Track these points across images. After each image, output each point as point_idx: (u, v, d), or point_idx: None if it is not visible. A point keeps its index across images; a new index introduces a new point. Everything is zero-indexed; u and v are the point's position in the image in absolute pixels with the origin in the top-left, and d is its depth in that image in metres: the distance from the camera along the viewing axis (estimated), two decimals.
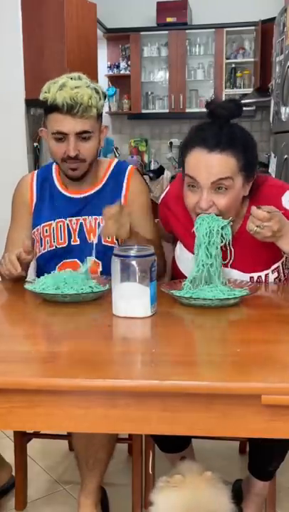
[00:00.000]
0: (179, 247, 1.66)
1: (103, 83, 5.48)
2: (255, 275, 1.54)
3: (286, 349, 1.13)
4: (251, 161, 1.42)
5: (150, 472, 1.69)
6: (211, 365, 1.03)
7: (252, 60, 5.33)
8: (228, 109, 1.41)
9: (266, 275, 1.54)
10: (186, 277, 1.49)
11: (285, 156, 3.30)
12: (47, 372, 1.02)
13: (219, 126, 1.40)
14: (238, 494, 1.70)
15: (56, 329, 1.30)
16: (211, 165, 1.36)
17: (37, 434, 1.85)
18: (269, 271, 1.55)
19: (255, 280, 1.54)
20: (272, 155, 3.68)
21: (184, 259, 1.62)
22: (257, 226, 1.35)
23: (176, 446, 1.65)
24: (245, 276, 1.53)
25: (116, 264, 1.30)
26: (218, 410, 0.98)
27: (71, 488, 1.93)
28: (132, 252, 1.29)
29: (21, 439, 1.81)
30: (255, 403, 0.94)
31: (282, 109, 3.36)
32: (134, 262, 1.28)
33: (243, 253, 1.51)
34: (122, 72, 5.67)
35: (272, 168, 3.64)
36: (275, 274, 1.57)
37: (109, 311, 1.35)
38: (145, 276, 1.29)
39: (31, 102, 3.81)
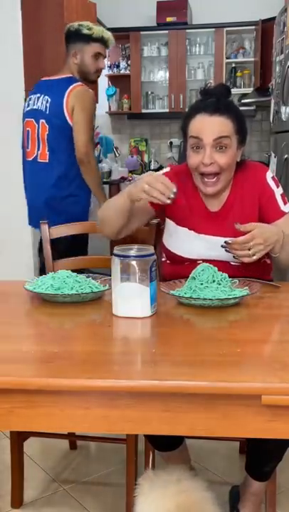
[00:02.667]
0: (172, 225, 1.70)
1: (103, 83, 5.48)
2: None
3: (286, 349, 1.13)
4: (244, 128, 1.64)
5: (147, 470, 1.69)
6: (210, 365, 1.03)
7: (252, 59, 5.32)
8: (219, 91, 1.64)
9: None
10: (178, 256, 1.64)
11: (285, 156, 3.30)
12: (47, 372, 1.02)
13: (216, 98, 1.60)
14: (235, 497, 1.70)
15: (56, 329, 1.30)
16: (212, 125, 1.56)
17: (34, 432, 1.85)
18: None
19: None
20: (273, 155, 3.68)
21: (178, 235, 1.68)
22: (249, 250, 1.45)
23: (170, 444, 1.66)
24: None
25: (116, 264, 1.30)
26: (218, 410, 0.98)
27: (71, 489, 1.93)
28: (132, 252, 1.30)
29: (18, 436, 1.82)
30: (255, 403, 0.94)
31: (283, 109, 3.36)
32: (134, 262, 1.28)
33: (230, 220, 1.58)
34: (122, 71, 5.67)
35: (272, 168, 3.64)
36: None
37: (109, 311, 1.35)
38: (145, 276, 1.29)
39: None
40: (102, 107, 5.52)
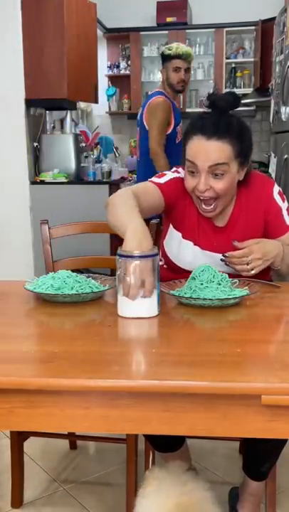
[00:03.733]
0: (177, 235, 1.66)
1: (103, 83, 5.48)
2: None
3: (286, 349, 1.13)
4: (246, 148, 1.54)
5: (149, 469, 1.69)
6: (211, 365, 1.03)
7: (252, 59, 5.33)
8: (226, 101, 1.54)
9: None
10: (178, 267, 1.63)
11: (285, 156, 3.30)
12: (47, 372, 1.02)
13: (218, 116, 1.52)
14: (234, 498, 1.70)
15: (56, 329, 1.30)
16: (208, 151, 1.49)
17: (34, 432, 1.85)
18: None
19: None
20: (272, 155, 3.68)
21: (182, 248, 1.65)
22: (247, 264, 1.47)
23: (171, 445, 1.66)
24: None
25: (122, 265, 1.29)
26: (218, 410, 0.98)
27: (71, 488, 1.94)
28: (139, 252, 1.29)
29: (18, 436, 1.82)
30: (255, 403, 0.94)
31: (283, 109, 3.36)
32: (140, 263, 1.27)
33: (234, 236, 1.58)
34: (122, 72, 5.67)
35: (272, 168, 3.64)
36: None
37: (109, 311, 1.35)
38: (152, 276, 1.29)
39: (31, 102, 3.80)
40: (102, 107, 5.52)
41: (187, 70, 3.40)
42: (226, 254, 1.49)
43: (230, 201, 1.62)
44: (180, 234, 1.67)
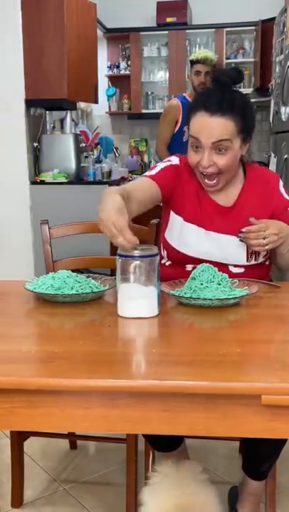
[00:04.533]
0: (178, 221, 1.65)
1: (103, 83, 5.48)
2: None
3: (286, 349, 1.13)
4: (249, 124, 1.57)
5: (150, 471, 1.69)
6: (211, 365, 1.03)
7: (252, 60, 5.33)
8: (230, 76, 1.57)
9: None
10: (181, 255, 1.62)
11: (285, 156, 3.30)
12: (47, 372, 1.02)
13: (221, 92, 1.53)
14: (234, 498, 1.70)
15: (56, 329, 1.30)
16: (212, 127, 1.50)
17: (34, 432, 1.86)
18: None
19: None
20: (272, 155, 3.68)
21: (184, 232, 1.63)
22: (263, 238, 1.49)
23: (169, 444, 1.66)
24: (241, 243, 1.58)
25: (122, 265, 1.30)
26: (218, 410, 0.98)
27: (71, 488, 1.94)
28: (139, 253, 1.29)
29: (18, 436, 1.82)
30: (255, 403, 0.94)
31: (282, 109, 3.36)
32: (141, 263, 1.28)
33: (240, 221, 1.58)
34: (122, 72, 5.67)
35: (272, 168, 3.64)
36: (264, 252, 1.62)
37: (109, 311, 1.35)
38: (153, 276, 1.29)
39: (31, 102, 3.80)
40: (102, 107, 5.52)
41: (208, 74, 3.64)
42: (243, 230, 1.51)
43: (234, 179, 1.64)
44: (182, 218, 1.65)
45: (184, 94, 3.88)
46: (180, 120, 3.72)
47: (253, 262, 1.61)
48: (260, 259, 1.63)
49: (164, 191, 1.63)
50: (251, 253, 1.60)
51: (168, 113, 3.81)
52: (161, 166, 1.68)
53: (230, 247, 1.59)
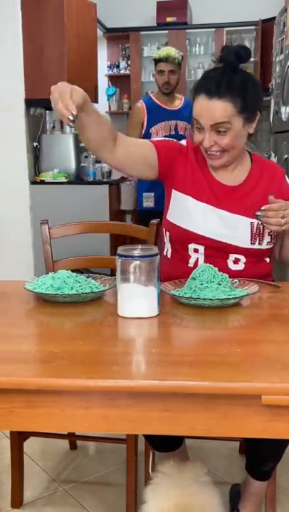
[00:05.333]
0: (186, 200, 1.66)
1: (103, 83, 5.48)
2: (256, 221, 1.60)
3: (286, 349, 1.13)
4: (251, 103, 1.57)
5: (150, 472, 1.69)
6: (211, 365, 1.03)
7: (252, 59, 5.32)
8: (236, 55, 1.57)
9: (264, 225, 1.59)
10: (185, 231, 1.62)
11: (285, 156, 3.30)
12: (47, 372, 1.02)
13: (221, 74, 1.56)
14: (235, 498, 1.70)
15: (56, 329, 1.30)
16: (210, 110, 1.54)
17: (34, 432, 1.85)
18: None
19: (255, 227, 1.61)
20: (273, 155, 3.68)
21: (191, 209, 1.64)
22: (282, 217, 1.50)
23: (169, 445, 1.66)
24: (246, 221, 1.61)
25: (122, 265, 1.30)
26: (218, 410, 0.98)
27: (71, 489, 1.94)
28: (139, 253, 1.29)
29: (18, 436, 1.82)
30: (255, 403, 0.94)
31: (283, 109, 3.36)
32: (141, 263, 1.28)
33: (247, 201, 1.61)
34: (122, 71, 5.67)
35: None
36: (268, 239, 1.64)
37: (109, 311, 1.35)
38: (153, 276, 1.29)
39: (31, 102, 3.80)
40: (102, 107, 5.52)
41: (173, 72, 3.48)
42: (263, 208, 1.52)
43: (241, 163, 1.68)
44: (189, 196, 1.65)
45: (150, 95, 3.71)
46: (146, 122, 3.56)
47: (256, 246, 1.62)
48: (264, 245, 1.63)
49: (161, 159, 1.67)
50: (255, 234, 1.61)
51: (132, 116, 3.68)
52: (166, 139, 1.76)
53: (236, 227, 1.61)
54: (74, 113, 1.38)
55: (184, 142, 1.73)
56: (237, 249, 1.61)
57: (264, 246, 1.63)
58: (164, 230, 1.72)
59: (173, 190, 1.68)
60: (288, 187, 1.69)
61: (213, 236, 1.60)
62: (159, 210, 1.81)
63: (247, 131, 1.61)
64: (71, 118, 1.38)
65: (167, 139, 1.77)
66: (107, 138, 1.59)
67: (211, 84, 1.54)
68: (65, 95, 1.40)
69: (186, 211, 1.64)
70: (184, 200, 1.65)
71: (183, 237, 1.64)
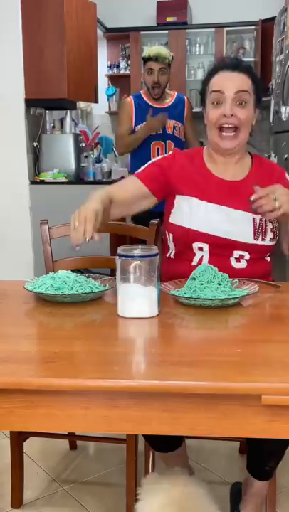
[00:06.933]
0: (188, 200, 1.67)
1: (103, 83, 5.48)
2: (258, 217, 1.62)
3: (286, 349, 1.13)
4: (260, 89, 1.68)
5: (150, 472, 1.69)
6: (211, 365, 1.03)
7: (252, 59, 5.33)
8: (244, 64, 1.70)
9: (266, 220, 1.63)
10: (188, 230, 1.63)
11: (285, 156, 3.30)
12: (47, 372, 1.02)
13: (236, 59, 1.73)
14: (236, 497, 1.70)
15: (56, 329, 1.30)
16: (234, 79, 1.63)
17: (34, 433, 1.85)
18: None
19: (257, 223, 1.63)
20: (273, 155, 3.68)
21: (193, 208, 1.65)
22: (275, 200, 1.49)
23: (169, 445, 1.66)
24: (248, 216, 1.63)
25: (122, 265, 1.30)
26: (218, 410, 0.98)
27: (71, 489, 1.93)
28: (139, 253, 1.29)
29: (18, 436, 1.82)
30: (255, 403, 0.94)
31: (283, 109, 3.36)
32: (141, 263, 1.28)
33: (248, 195, 1.58)
34: (122, 71, 5.67)
35: None
36: (271, 235, 1.65)
37: (109, 311, 1.35)
38: (153, 275, 1.29)
39: (31, 102, 3.80)
40: (102, 107, 5.52)
41: (162, 72, 3.34)
42: (252, 198, 1.51)
43: (242, 159, 1.71)
44: (191, 197, 1.67)
45: (140, 92, 3.57)
46: (134, 118, 3.44)
47: (259, 242, 1.63)
48: (267, 241, 1.64)
49: (151, 188, 1.70)
50: (258, 230, 1.63)
51: (121, 111, 3.54)
52: (151, 161, 1.78)
53: (239, 222, 1.63)
54: (80, 243, 1.43)
55: (169, 154, 1.79)
56: (241, 245, 1.62)
57: (267, 242, 1.64)
58: (167, 232, 1.73)
59: (175, 195, 1.70)
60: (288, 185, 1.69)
61: (217, 233, 1.61)
62: (155, 210, 1.80)
63: (252, 118, 1.67)
64: (77, 248, 1.44)
65: (151, 161, 1.78)
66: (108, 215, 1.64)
67: (231, 62, 1.67)
68: (80, 226, 1.42)
69: (189, 211, 1.65)
70: (186, 201, 1.67)
71: (187, 237, 1.65)
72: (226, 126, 1.62)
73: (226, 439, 1.94)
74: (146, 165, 1.76)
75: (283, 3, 3.97)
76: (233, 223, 1.62)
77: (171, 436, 1.59)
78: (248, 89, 1.63)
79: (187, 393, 0.97)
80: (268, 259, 1.70)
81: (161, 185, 1.71)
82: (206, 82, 1.68)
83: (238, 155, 1.69)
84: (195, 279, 1.42)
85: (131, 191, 1.71)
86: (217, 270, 1.43)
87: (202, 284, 1.39)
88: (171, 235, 1.71)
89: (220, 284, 1.39)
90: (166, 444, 1.66)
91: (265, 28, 4.85)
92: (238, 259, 1.63)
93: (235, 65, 1.65)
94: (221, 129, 1.63)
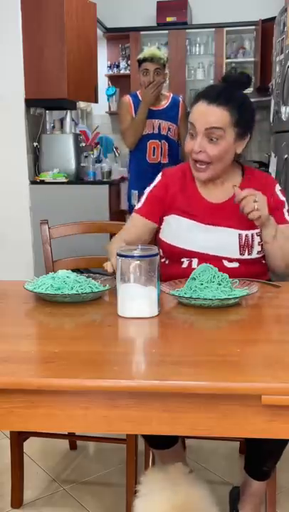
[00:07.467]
0: (174, 219, 1.70)
1: (103, 83, 5.48)
2: (244, 233, 1.64)
3: (286, 349, 1.13)
4: (246, 120, 1.62)
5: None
6: (211, 365, 1.03)
7: (252, 59, 5.33)
8: (238, 79, 1.66)
9: (252, 235, 1.65)
10: (176, 249, 1.66)
11: (286, 156, 3.30)
12: (47, 372, 1.02)
13: (224, 87, 1.63)
14: (235, 500, 1.70)
15: (56, 329, 1.30)
16: (207, 114, 1.58)
17: (34, 433, 1.85)
18: (255, 231, 1.64)
19: (243, 239, 1.64)
20: (273, 155, 3.68)
21: (181, 228, 1.68)
22: (255, 202, 1.52)
23: (165, 442, 1.66)
24: (234, 233, 1.64)
25: (122, 265, 1.30)
26: (218, 410, 0.98)
27: (71, 489, 1.93)
28: (139, 253, 1.29)
29: (18, 436, 1.82)
30: (255, 403, 0.94)
31: (283, 109, 3.36)
32: (141, 263, 1.28)
33: (235, 214, 1.62)
34: (122, 71, 5.67)
35: (272, 168, 3.64)
36: (259, 248, 1.66)
37: (109, 311, 1.35)
38: (153, 276, 1.29)
39: (31, 102, 3.80)
40: (102, 107, 5.52)
41: (157, 72, 3.38)
42: (235, 200, 1.55)
43: (231, 177, 1.70)
44: (178, 216, 1.70)
45: (136, 92, 3.59)
46: (133, 115, 3.49)
47: (246, 256, 1.64)
48: (254, 254, 1.65)
49: (154, 219, 1.75)
50: (244, 246, 1.64)
51: (121, 109, 3.58)
52: (146, 192, 1.78)
53: (224, 240, 1.64)
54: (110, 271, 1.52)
55: (158, 177, 1.78)
56: (228, 258, 1.65)
57: (254, 256, 1.66)
58: (158, 244, 1.76)
59: (165, 217, 1.74)
60: (277, 198, 1.71)
61: (204, 250, 1.65)
62: None
63: (235, 149, 1.64)
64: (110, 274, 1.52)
65: (146, 193, 1.78)
66: None
67: (212, 93, 1.60)
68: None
69: (176, 230, 1.69)
70: (174, 220, 1.71)
71: (175, 254, 1.69)
72: (197, 160, 1.62)
73: (226, 439, 1.94)
74: (143, 198, 1.78)
75: (283, 3, 3.98)
76: (218, 241, 1.64)
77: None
78: (221, 125, 1.57)
79: (187, 393, 0.97)
80: (263, 261, 1.70)
81: (160, 212, 1.75)
82: (191, 104, 1.66)
83: (221, 178, 1.69)
84: (195, 279, 1.42)
85: (141, 231, 1.76)
86: (217, 270, 1.43)
87: (202, 284, 1.39)
88: (161, 249, 1.75)
89: (220, 284, 1.40)
90: (162, 442, 1.66)
91: (265, 28, 4.85)
92: (230, 260, 1.65)
93: (214, 97, 1.58)
94: (195, 160, 1.63)
